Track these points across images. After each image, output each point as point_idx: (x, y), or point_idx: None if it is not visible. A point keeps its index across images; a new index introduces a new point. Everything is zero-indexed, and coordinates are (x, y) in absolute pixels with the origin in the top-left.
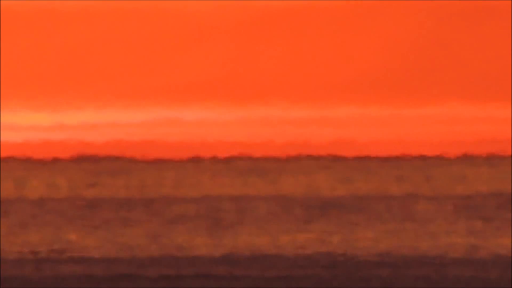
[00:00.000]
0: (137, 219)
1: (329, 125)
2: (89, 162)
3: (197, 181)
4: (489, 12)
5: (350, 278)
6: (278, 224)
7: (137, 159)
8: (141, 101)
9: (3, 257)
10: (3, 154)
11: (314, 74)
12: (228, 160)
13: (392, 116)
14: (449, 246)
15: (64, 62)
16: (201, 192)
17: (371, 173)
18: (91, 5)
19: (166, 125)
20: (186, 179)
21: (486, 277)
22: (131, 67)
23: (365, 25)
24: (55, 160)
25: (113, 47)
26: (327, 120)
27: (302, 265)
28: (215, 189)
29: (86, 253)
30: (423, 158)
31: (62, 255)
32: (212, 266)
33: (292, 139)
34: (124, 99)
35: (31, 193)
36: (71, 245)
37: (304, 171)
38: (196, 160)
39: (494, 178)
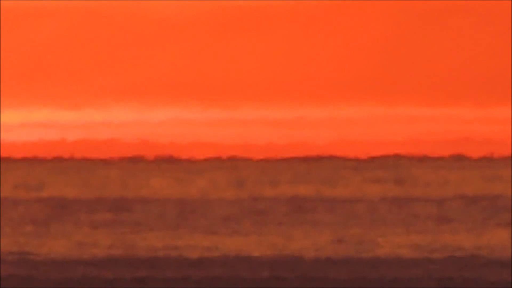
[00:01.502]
0: (103, 220)
1: (301, 126)
2: (53, 162)
3: (162, 182)
4: (462, 13)
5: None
6: (249, 226)
7: (102, 159)
8: (109, 101)
9: None
10: None
11: (284, 74)
12: (196, 161)
13: (366, 116)
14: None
15: (31, 62)
16: (167, 193)
17: (342, 174)
18: (59, 5)
19: (133, 125)
20: (151, 179)
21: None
22: (101, 67)
23: (338, 26)
24: (19, 160)
25: (84, 47)
26: (299, 121)
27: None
28: (181, 190)
29: (51, 254)
30: (396, 157)
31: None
32: (185, 268)
33: (263, 139)
34: (90, 99)
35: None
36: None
37: (275, 172)
38: (163, 161)
39: (462, 180)
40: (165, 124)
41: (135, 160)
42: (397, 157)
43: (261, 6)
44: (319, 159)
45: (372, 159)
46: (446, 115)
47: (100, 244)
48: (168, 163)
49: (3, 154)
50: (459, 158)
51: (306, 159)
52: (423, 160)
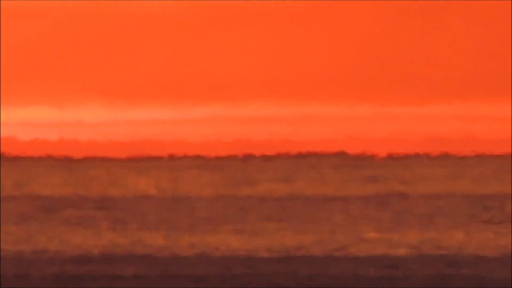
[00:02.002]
0: (88, 218)
1: (281, 124)
2: (34, 160)
3: (145, 180)
4: (444, 11)
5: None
6: (231, 223)
7: (84, 158)
8: (93, 101)
9: None
10: None
11: (269, 72)
12: (176, 159)
13: (346, 114)
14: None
15: (12, 61)
16: (149, 192)
17: (319, 172)
18: (42, 4)
19: (115, 125)
20: (131, 178)
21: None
22: (84, 67)
23: (318, 23)
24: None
25: (65, 46)
26: (278, 119)
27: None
28: (163, 189)
29: (36, 252)
30: (380, 155)
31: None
32: (166, 266)
33: (241, 138)
34: (71, 98)
35: None
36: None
37: (254, 170)
38: (146, 160)
39: (448, 178)
40: (148, 123)
41: (117, 159)
42: (381, 155)
43: (247, 4)
44: (303, 156)
45: (358, 157)
46: (433, 113)
47: (83, 242)
48: (151, 161)
49: None
50: (446, 156)
51: (291, 157)
52: (407, 158)
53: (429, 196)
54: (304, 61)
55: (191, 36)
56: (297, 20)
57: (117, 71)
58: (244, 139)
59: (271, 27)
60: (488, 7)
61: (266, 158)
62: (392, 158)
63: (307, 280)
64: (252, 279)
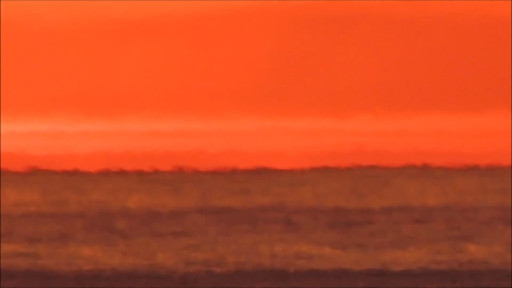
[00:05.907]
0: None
1: (198, 137)
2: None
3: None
4: (359, 21)
5: None
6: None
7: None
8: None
9: None
10: None
11: (176, 86)
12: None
13: (259, 128)
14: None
15: None
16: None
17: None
18: None
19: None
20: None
21: None
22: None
23: (232, 35)
24: None
25: None
26: (195, 132)
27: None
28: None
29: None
30: (289, 171)
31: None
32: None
33: (159, 151)
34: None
35: None
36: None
37: (171, 182)
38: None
39: (351, 192)
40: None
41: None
42: (283, 170)
43: (157, 19)
44: (207, 171)
45: (255, 171)
46: (340, 127)
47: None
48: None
49: None
50: (355, 169)
51: (197, 172)
52: (313, 171)
53: (336, 208)
54: (214, 76)
55: (100, 52)
56: (206, 36)
57: (27, 83)
58: (154, 153)
59: (179, 40)
60: (397, 19)
61: (180, 169)
62: (292, 172)
63: None
64: None
